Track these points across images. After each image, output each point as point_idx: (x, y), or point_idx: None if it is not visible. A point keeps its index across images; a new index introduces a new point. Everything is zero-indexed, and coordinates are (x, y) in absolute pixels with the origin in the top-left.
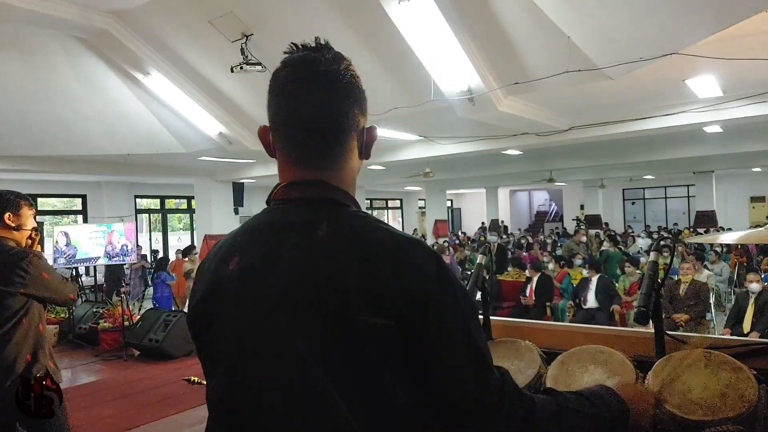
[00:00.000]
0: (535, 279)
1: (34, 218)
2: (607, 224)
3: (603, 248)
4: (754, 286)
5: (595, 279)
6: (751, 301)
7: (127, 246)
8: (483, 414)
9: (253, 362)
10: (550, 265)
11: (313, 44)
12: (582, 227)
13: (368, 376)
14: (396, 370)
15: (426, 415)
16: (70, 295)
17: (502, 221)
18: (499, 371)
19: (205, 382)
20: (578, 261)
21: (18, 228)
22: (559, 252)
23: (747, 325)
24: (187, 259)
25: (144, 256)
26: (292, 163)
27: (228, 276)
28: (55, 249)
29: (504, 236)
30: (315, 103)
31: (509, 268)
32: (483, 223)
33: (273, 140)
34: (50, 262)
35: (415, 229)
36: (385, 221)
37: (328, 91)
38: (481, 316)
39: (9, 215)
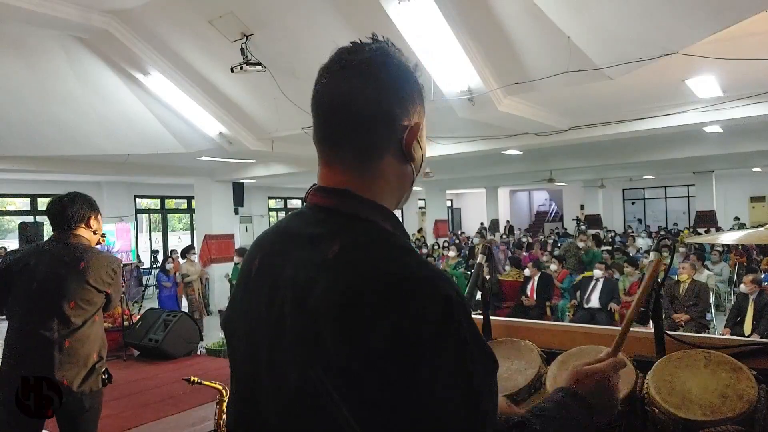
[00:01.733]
0: (536, 278)
1: None
2: (605, 227)
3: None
4: (743, 287)
5: (602, 280)
6: (750, 302)
7: (111, 246)
8: None
9: (255, 370)
10: (553, 266)
11: (370, 39)
12: (583, 227)
13: (365, 397)
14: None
15: None
16: (117, 306)
17: (508, 221)
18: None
19: (205, 383)
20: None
21: (95, 232)
22: (556, 252)
23: (748, 327)
24: (185, 259)
25: (138, 257)
26: (322, 161)
27: (249, 278)
28: None
29: (506, 236)
30: (338, 94)
31: (507, 268)
32: (482, 223)
33: None
34: None
35: (420, 228)
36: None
37: (357, 80)
38: (480, 317)
39: (93, 218)
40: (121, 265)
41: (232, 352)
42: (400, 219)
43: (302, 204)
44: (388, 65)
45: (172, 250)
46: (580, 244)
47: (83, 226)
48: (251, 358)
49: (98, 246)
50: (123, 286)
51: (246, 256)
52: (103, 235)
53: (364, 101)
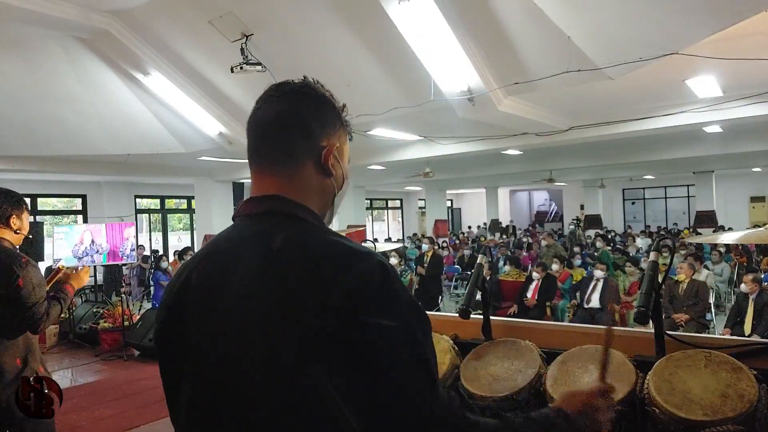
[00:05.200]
0: (541, 279)
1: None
2: (605, 227)
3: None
4: (743, 287)
5: (602, 280)
6: (750, 302)
7: (101, 246)
8: (426, 429)
9: (227, 370)
10: (555, 266)
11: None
12: (579, 229)
13: (343, 376)
14: (349, 375)
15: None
16: (39, 323)
17: (512, 221)
18: (447, 391)
19: None
20: (578, 261)
21: (17, 231)
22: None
23: (748, 327)
24: (182, 260)
25: (146, 257)
26: (254, 176)
27: (189, 290)
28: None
29: (505, 236)
30: (268, 114)
31: (507, 267)
32: (484, 223)
33: None
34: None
35: (414, 234)
36: (339, 234)
37: (283, 103)
38: (480, 316)
39: (14, 217)
40: (35, 264)
41: (183, 361)
42: (400, 218)
43: (233, 221)
44: (308, 94)
45: (175, 251)
46: (543, 242)
47: (2, 225)
48: (213, 358)
49: None
50: (126, 286)
51: (176, 275)
52: (27, 237)
53: (284, 116)
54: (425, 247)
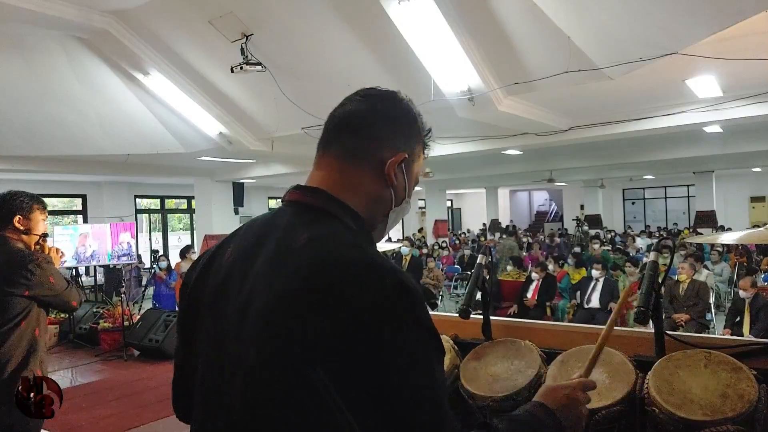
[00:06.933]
0: (541, 279)
1: (45, 223)
2: (605, 227)
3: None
4: (742, 293)
5: (602, 280)
6: (747, 305)
7: (98, 251)
8: None
9: (223, 370)
10: (550, 266)
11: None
12: (585, 228)
13: (344, 388)
14: (352, 394)
15: None
16: (73, 302)
17: (512, 221)
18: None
19: None
20: (570, 261)
21: (27, 232)
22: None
23: (746, 329)
24: (183, 259)
25: (139, 257)
26: (313, 165)
27: (221, 265)
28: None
29: (505, 236)
30: (344, 112)
31: (508, 268)
32: (484, 224)
33: None
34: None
35: (421, 228)
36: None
37: (361, 104)
38: (480, 316)
39: (19, 218)
40: (48, 260)
41: (193, 327)
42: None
43: (281, 202)
44: (389, 100)
45: (153, 249)
46: (523, 239)
47: (10, 227)
48: (217, 335)
49: (37, 247)
50: (123, 286)
51: (218, 244)
52: (44, 236)
53: (357, 115)
54: (405, 250)
